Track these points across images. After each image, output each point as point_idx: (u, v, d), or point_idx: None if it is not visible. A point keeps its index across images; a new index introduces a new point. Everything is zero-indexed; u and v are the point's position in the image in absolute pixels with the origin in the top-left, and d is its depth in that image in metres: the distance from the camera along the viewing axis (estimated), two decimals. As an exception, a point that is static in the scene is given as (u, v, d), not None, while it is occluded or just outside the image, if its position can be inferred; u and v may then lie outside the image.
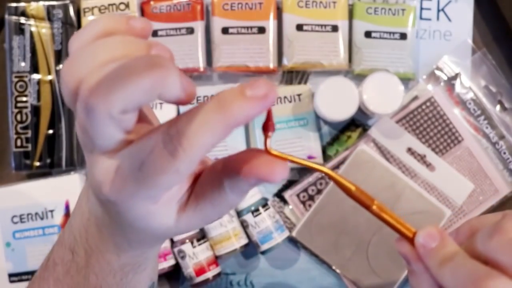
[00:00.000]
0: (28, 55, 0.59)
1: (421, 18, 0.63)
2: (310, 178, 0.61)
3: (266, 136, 0.25)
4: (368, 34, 0.61)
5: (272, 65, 0.60)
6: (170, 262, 0.58)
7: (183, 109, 0.60)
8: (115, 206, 0.26)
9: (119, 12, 0.60)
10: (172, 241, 0.59)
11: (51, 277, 0.33)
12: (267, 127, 0.25)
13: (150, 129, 0.25)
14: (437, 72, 0.62)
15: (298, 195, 0.61)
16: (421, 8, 0.63)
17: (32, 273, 0.58)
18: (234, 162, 0.25)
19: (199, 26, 0.60)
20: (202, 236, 0.58)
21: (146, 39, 0.26)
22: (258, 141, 0.60)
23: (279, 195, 0.61)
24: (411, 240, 0.30)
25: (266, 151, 0.25)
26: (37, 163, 0.59)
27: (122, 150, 0.24)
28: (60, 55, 0.60)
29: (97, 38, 0.25)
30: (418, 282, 0.30)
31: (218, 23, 0.60)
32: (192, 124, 0.23)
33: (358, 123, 0.62)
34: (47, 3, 0.60)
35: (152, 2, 0.61)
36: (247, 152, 0.26)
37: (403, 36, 0.61)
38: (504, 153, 0.61)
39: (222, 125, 0.23)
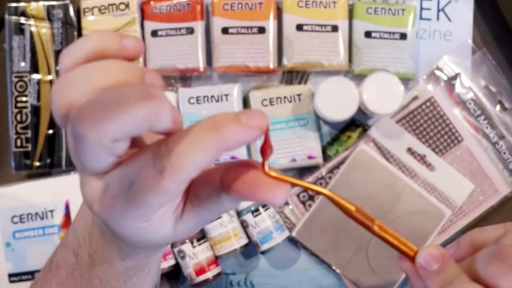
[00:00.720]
0: (28, 55, 0.59)
1: (421, 18, 0.63)
2: (310, 178, 0.61)
3: (264, 159, 0.25)
4: (368, 34, 0.61)
5: (272, 65, 0.60)
6: (170, 262, 0.58)
7: (183, 110, 0.60)
8: (107, 223, 0.26)
9: (119, 12, 0.60)
10: (172, 241, 0.59)
11: (54, 280, 0.33)
12: (265, 150, 0.25)
13: (141, 148, 0.25)
14: (437, 72, 0.62)
15: (298, 195, 0.61)
16: (421, 8, 0.63)
17: (32, 273, 0.58)
18: (233, 180, 0.25)
19: (199, 26, 0.60)
20: (202, 236, 0.58)
21: (138, 58, 0.26)
22: (258, 142, 0.60)
23: (279, 195, 0.61)
24: (412, 259, 0.30)
25: (265, 174, 0.25)
26: (37, 163, 0.59)
27: (112, 171, 0.24)
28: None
29: (90, 56, 0.25)
30: None
31: (218, 23, 0.60)
32: (183, 143, 0.22)
33: (358, 123, 0.62)
34: (47, 3, 0.60)
35: (152, 2, 0.61)
36: (245, 168, 0.26)
37: (403, 36, 0.61)
38: (504, 153, 0.61)
39: (213, 146, 0.22)
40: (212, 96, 0.60)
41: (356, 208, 0.28)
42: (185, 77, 0.62)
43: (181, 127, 0.25)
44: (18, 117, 0.59)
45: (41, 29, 0.60)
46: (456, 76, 0.62)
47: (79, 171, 0.26)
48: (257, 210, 0.58)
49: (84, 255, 0.31)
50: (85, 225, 0.31)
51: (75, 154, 0.23)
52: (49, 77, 0.60)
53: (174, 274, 0.60)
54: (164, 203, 0.24)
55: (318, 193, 0.27)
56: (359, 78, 0.60)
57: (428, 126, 0.61)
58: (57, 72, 0.60)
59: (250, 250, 0.60)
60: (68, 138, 0.24)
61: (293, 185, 0.25)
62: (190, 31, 0.60)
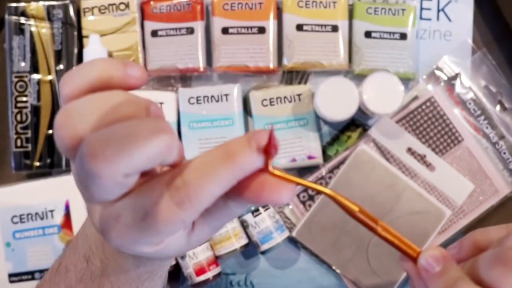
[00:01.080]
0: (28, 55, 0.59)
1: (421, 18, 0.63)
2: (310, 178, 0.61)
3: (268, 159, 0.24)
4: (368, 34, 0.61)
5: (272, 65, 0.60)
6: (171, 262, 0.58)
7: (183, 110, 0.60)
8: (117, 248, 0.26)
9: (119, 12, 0.60)
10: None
11: (62, 283, 0.32)
12: (269, 150, 0.24)
13: (150, 178, 0.25)
14: (437, 72, 0.62)
15: (298, 195, 0.61)
16: (421, 8, 0.63)
17: (32, 273, 0.58)
18: (238, 185, 0.25)
19: (199, 26, 0.60)
20: (202, 236, 0.58)
21: (141, 87, 0.26)
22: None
23: (279, 195, 0.61)
24: (415, 260, 0.29)
25: (270, 173, 0.25)
26: (37, 163, 0.59)
27: (122, 200, 0.24)
28: (60, 55, 0.60)
29: (93, 85, 0.24)
30: None
31: (218, 23, 0.60)
32: (199, 175, 0.23)
33: (358, 123, 0.62)
34: (47, 3, 0.60)
35: (152, 2, 0.61)
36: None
37: (403, 36, 0.61)
38: (504, 153, 0.61)
39: (230, 176, 0.23)
40: (212, 96, 0.60)
41: (359, 209, 0.28)
42: (185, 77, 0.62)
43: (184, 157, 0.25)
44: (18, 117, 0.59)
45: (41, 29, 0.60)
46: (456, 76, 0.62)
47: (84, 199, 0.25)
48: (257, 210, 0.58)
49: (96, 261, 0.31)
50: (96, 232, 0.30)
51: (83, 186, 0.23)
52: (49, 77, 0.60)
53: (174, 274, 0.60)
54: (177, 231, 0.24)
55: (321, 192, 0.26)
56: (359, 78, 0.60)
57: (428, 126, 0.61)
58: (57, 72, 0.60)
59: (250, 250, 0.60)
60: (74, 169, 0.23)
61: (297, 184, 0.25)
62: (190, 31, 0.60)
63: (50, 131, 0.59)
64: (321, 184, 0.60)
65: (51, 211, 0.58)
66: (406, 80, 0.61)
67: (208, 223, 0.27)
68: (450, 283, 0.28)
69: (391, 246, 0.29)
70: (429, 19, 0.63)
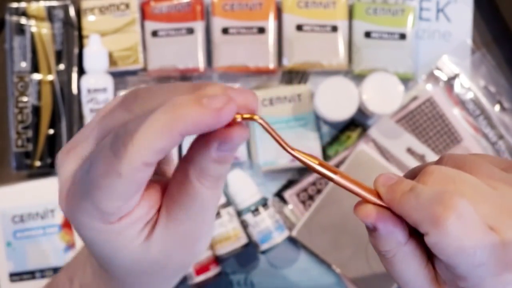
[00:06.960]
0: (29, 55, 0.60)
1: (420, 18, 0.63)
2: (310, 178, 0.61)
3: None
4: (367, 34, 0.61)
5: (272, 65, 0.60)
6: (170, 261, 0.58)
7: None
8: (72, 222, 0.25)
9: (120, 12, 0.61)
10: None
11: None
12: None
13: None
14: (437, 72, 0.62)
15: (298, 195, 0.61)
16: (421, 9, 0.63)
17: (32, 272, 0.58)
18: (193, 146, 0.24)
19: (199, 26, 0.61)
20: (202, 235, 0.58)
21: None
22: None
23: (279, 194, 0.62)
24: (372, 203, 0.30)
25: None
26: (38, 163, 0.59)
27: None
28: (60, 55, 0.60)
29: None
30: (384, 244, 0.28)
31: (218, 23, 0.61)
32: (139, 124, 0.22)
33: (358, 123, 0.62)
34: (47, 3, 0.60)
35: (152, 2, 0.61)
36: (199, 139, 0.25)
37: (402, 36, 0.61)
38: (503, 153, 0.61)
39: (169, 129, 0.21)
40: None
41: (319, 162, 0.28)
42: (185, 77, 0.62)
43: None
44: (19, 117, 0.59)
45: (42, 29, 0.60)
46: (455, 76, 0.62)
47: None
48: (257, 210, 0.58)
49: (76, 285, 0.31)
50: (83, 254, 0.31)
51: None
52: (50, 77, 0.60)
53: (174, 274, 0.60)
54: (120, 191, 0.22)
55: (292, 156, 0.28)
56: (359, 78, 0.60)
57: (428, 126, 0.61)
58: (57, 72, 0.60)
59: (250, 250, 0.60)
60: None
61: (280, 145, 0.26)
62: (190, 31, 0.61)
63: (51, 131, 0.59)
64: (321, 184, 0.61)
65: (52, 210, 0.58)
66: (405, 80, 0.61)
67: (172, 217, 0.25)
68: (408, 189, 0.27)
69: (350, 192, 0.29)
70: (429, 20, 0.64)
